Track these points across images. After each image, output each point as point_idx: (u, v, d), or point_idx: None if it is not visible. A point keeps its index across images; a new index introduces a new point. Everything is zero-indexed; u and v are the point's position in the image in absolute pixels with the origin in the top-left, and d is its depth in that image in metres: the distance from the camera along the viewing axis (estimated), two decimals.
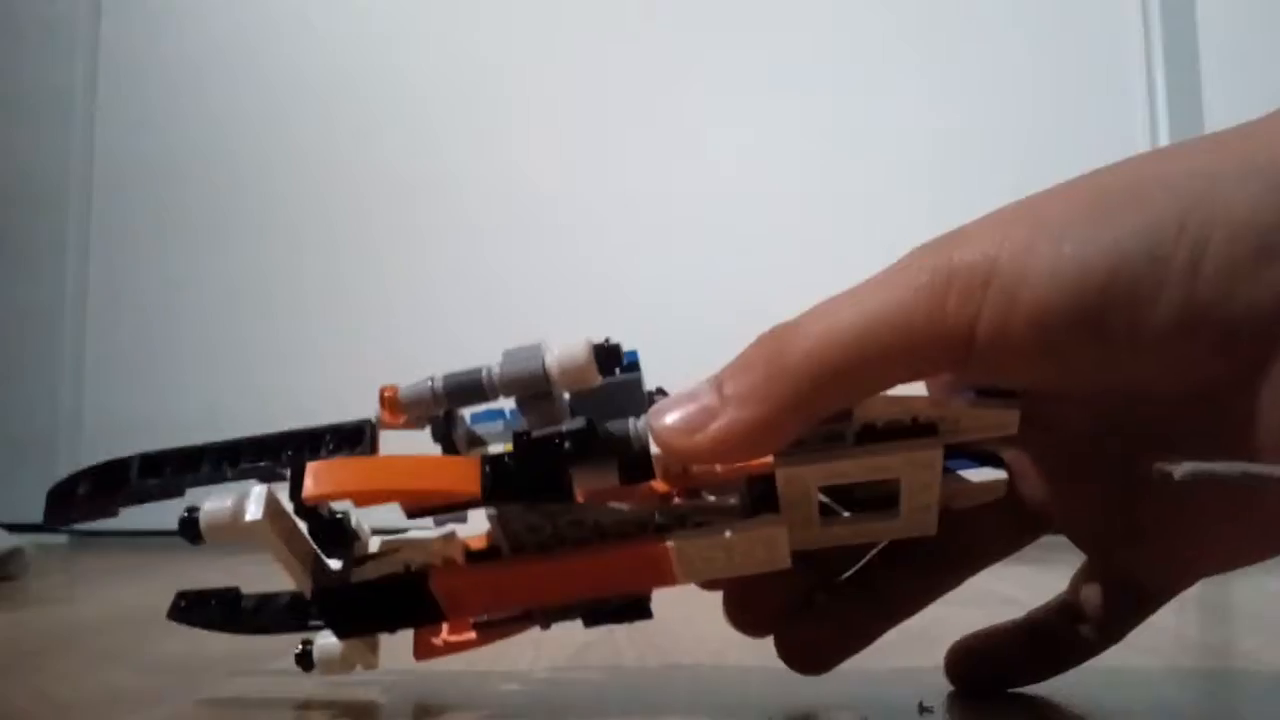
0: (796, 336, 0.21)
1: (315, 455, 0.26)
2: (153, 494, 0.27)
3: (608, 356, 0.24)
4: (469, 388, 0.24)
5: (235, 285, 1.36)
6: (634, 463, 0.25)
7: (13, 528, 0.79)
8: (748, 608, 0.28)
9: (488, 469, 0.24)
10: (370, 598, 0.26)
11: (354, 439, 0.26)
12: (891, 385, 0.22)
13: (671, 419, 0.22)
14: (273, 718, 0.29)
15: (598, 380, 0.24)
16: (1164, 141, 1.17)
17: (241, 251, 1.36)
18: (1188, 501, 0.23)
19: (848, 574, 0.29)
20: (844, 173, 1.24)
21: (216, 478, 0.27)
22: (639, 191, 1.28)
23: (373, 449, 0.26)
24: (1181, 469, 0.20)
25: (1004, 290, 0.20)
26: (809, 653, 0.28)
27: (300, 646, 0.30)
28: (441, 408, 0.25)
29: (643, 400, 0.26)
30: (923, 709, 0.28)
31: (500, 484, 0.24)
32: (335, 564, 0.27)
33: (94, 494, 0.28)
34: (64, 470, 1.02)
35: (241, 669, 0.36)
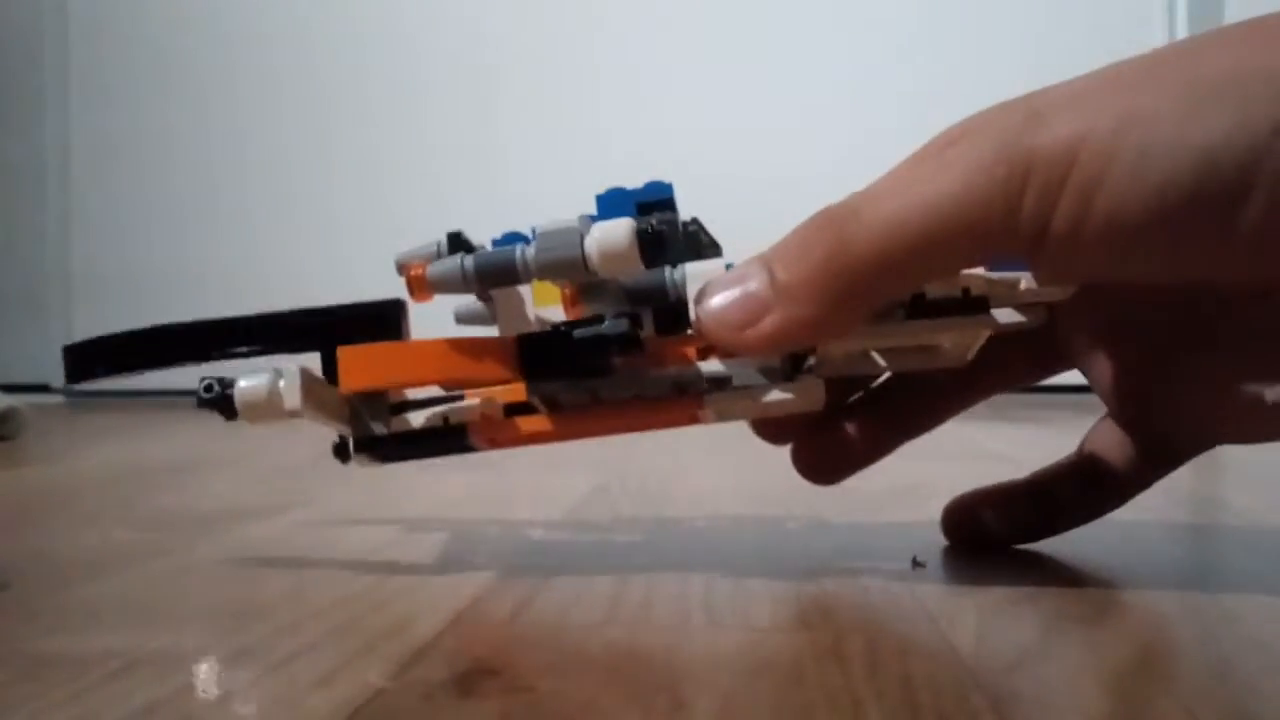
0: (859, 227, 0.20)
1: (346, 338, 0.25)
2: (176, 362, 0.27)
3: (653, 243, 0.22)
4: (502, 269, 0.24)
5: (218, 138, 1.33)
6: (670, 313, 0.24)
7: (8, 388, 0.79)
8: (770, 419, 0.28)
9: (526, 354, 0.24)
10: (413, 441, 0.27)
11: (386, 320, 0.26)
12: (954, 273, 0.21)
13: (720, 306, 0.21)
14: (270, 568, 0.29)
15: (640, 268, 0.23)
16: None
17: (224, 104, 1.32)
18: (1230, 368, 0.23)
19: (866, 390, 0.29)
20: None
21: (247, 354, 0.26)
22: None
23: (403, 331, 0.26)
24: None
25: (1083, 190, 0.19)
26: (823, 462, 0.28)
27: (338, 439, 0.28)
28: (471, 289, 0.24)
29: (680, 241, 0.24)
30: (915, 564, 0.29)
31: (539, 365, 0.24)
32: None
33: (115, 358, 0.28)
34: (55, 328, 1.02)
35: (236, 523, 0.37)
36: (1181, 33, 1.17)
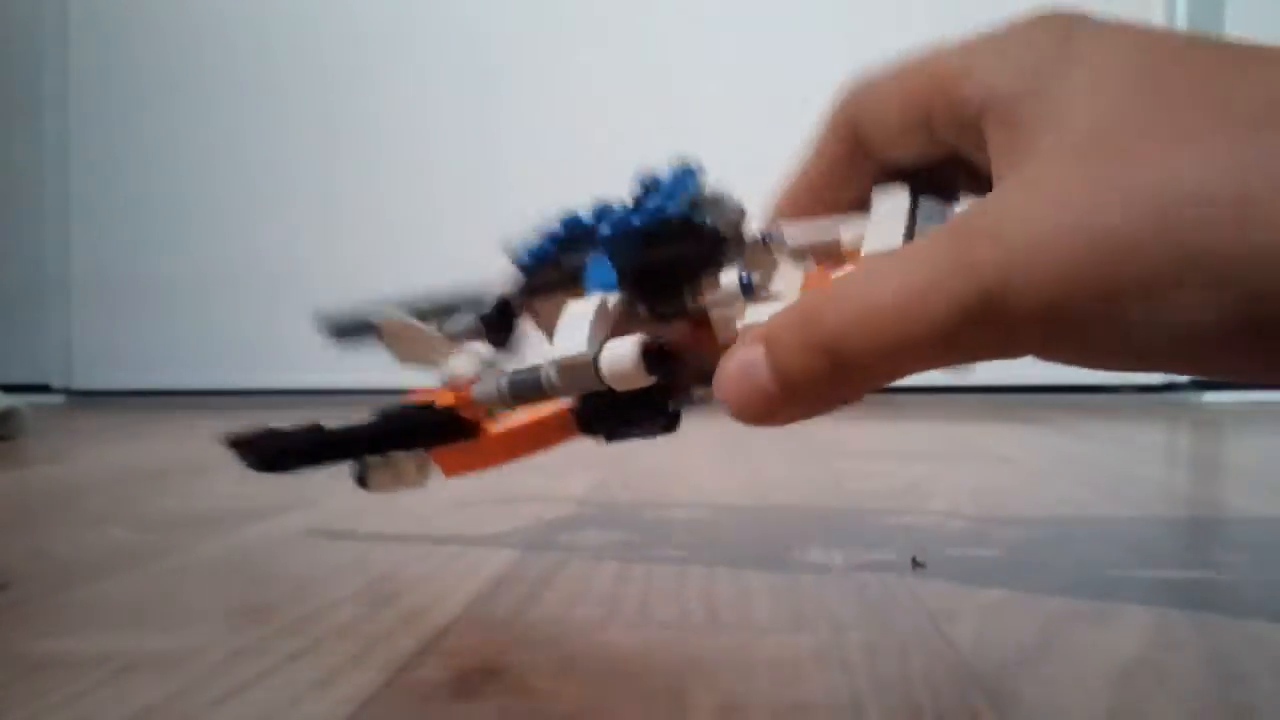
0: (848, 362, 0.21)
1: (439, 437, 0.31)
2: (331, 461, 0.33)
3: (657, 360, 0.25)
4: (531, 389, 0.27)
5: (219, 138, 1.33)
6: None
7: (7, 388, 0.79)
8: None
9: (582, 419, 0.28)
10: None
11: (464, 423, 0.30)
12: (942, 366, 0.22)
13: (737, 400, 0.23)
14: (270, 568, 0.29)
15: (648, 381, 0.25)
16: None
17: (224, 104, 1.32)
18: None
19: None
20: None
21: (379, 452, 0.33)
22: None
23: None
24: None
25: (1071, 356, 0.19)
26: None
27: (356, 466, 0.33)
28: (507, 405, 0.28)
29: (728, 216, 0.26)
30: (915, 564, 0.29)
31: (596, 424, 0.28)
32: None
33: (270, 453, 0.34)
34: (55, 328, 1.02)
35: (236, 523, 0.37)
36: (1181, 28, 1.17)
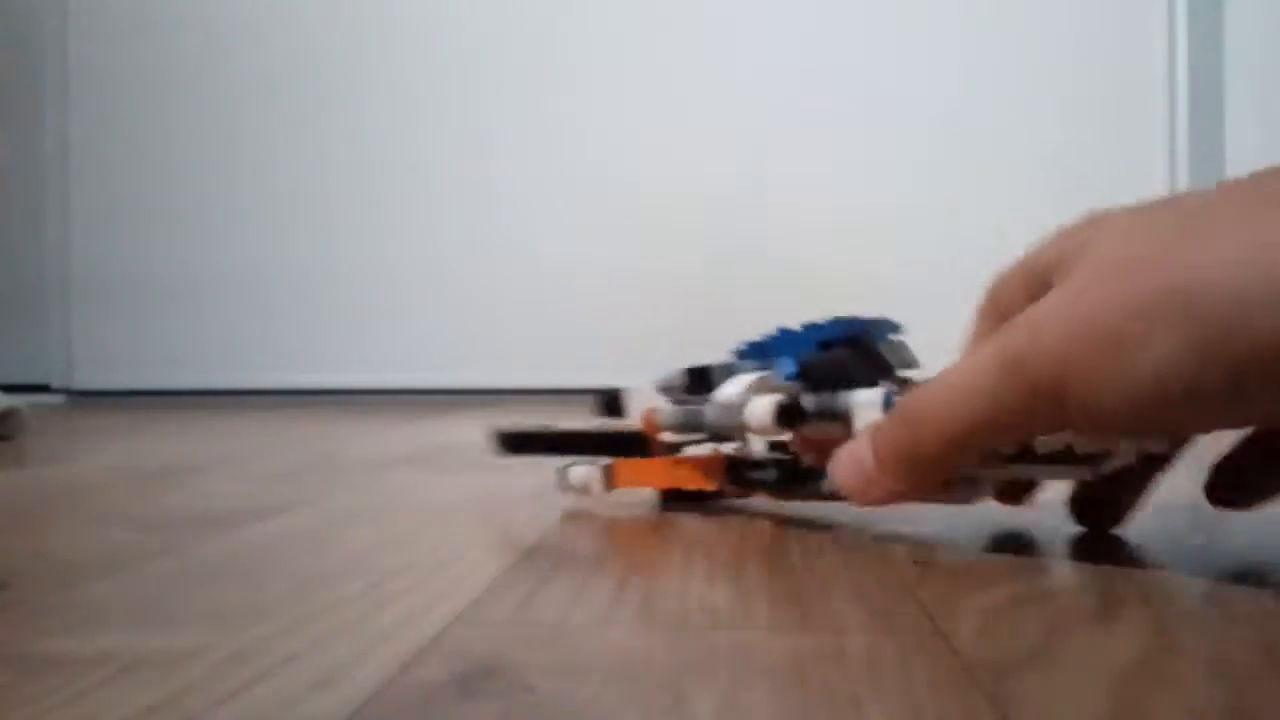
0: (926, 430, 0.28)
1: (621, 449, 0.40)
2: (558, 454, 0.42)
3: (786, 414, 0.33)
4: (693, 417, 0.37)
5: (218, 139, 1.33)
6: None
7: (8, 388, 0.79)
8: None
9: (729, 466, 0.37)
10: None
11: (638, 440, 0.40)
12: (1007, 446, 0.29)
13: (845, 478, 0.31)
14: (270, 568, 0.29)
15: (778, 431, 0.33)
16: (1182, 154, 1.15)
17: (223, 105, 1.32)
18: None
19: None
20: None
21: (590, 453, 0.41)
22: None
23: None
24: None
25: (1082, 404, 0.24)
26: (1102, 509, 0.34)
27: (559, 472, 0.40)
28: (676, 429, 0.38)
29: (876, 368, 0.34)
30: (915, 564, 0.29)
31: (738, 481, 0.37)
32: None
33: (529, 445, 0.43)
34: (55, 328, 1.02)
35: (236, 523, 0.37)
36: (1181, 35, 1.17)
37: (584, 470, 0.40)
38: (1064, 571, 0.28)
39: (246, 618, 0.24)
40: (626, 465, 0.39)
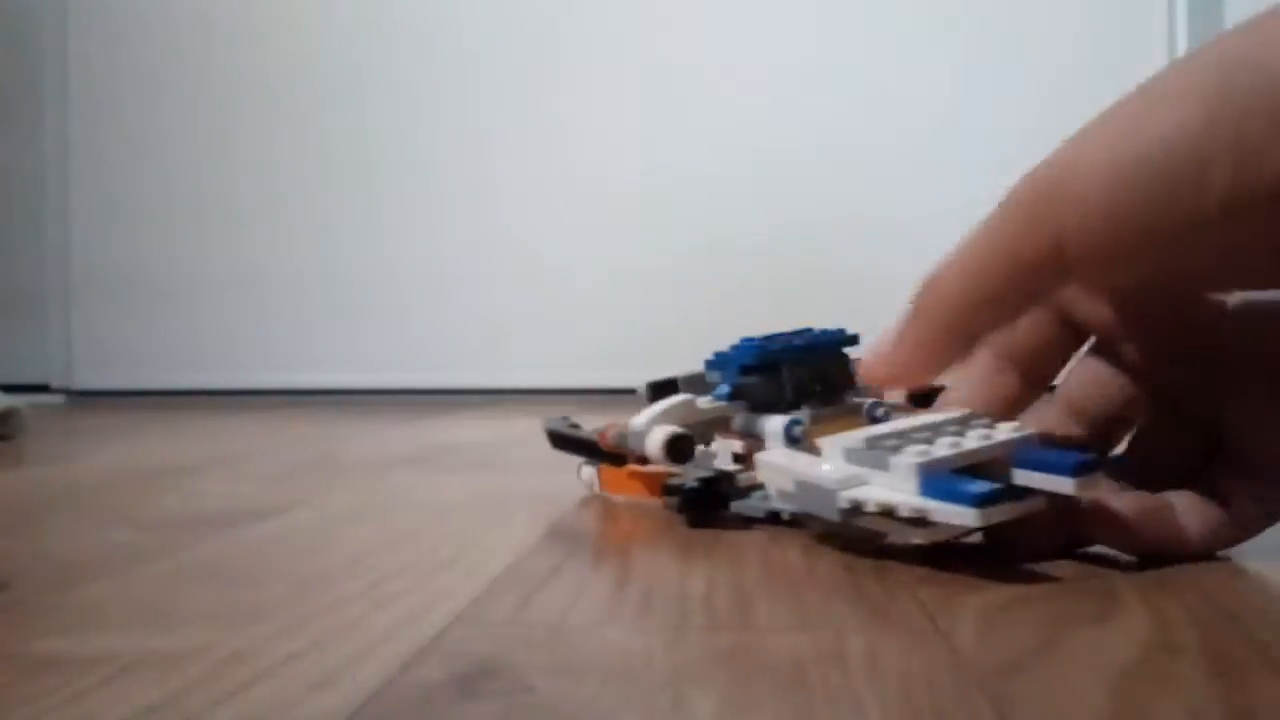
0: (941, 288, 0.28)
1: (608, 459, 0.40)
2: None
3: (674, 448, 0.34)
4: (621, 439, 0.36)
5: (217, 139, 1.33)
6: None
7: (7, 388, 0.79)
8: None
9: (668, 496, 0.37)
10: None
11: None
12: (1017, 314, 0.29)
13: (869, 370, 0.30)
14: (270, 568, 0.29)
15: (668, 462, 0.34)
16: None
17: (223, 105, 1.32)
18: None
19: None
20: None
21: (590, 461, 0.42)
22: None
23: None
24: (1235, 298, 0.24)
25: (1075, 202, 0.24)
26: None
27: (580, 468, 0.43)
28: (620, 448, 0.37)
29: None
30: (915, 562, 0.29)
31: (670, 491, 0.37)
32: None
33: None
34: (55, 328, 1.02)
35: (236, 523, 0.37)
36: (1180, 35, 1.17)
37: (590, 471, 0.42)
38: (1064, 571, 0.28)
39: (246, 618, 0.24)
40: (605, 471, 0.41)
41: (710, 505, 0.36)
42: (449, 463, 0.58)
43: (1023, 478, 0.27)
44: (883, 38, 1.23)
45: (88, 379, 1.35)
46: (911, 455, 0.27)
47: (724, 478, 0.36)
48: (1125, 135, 0.24)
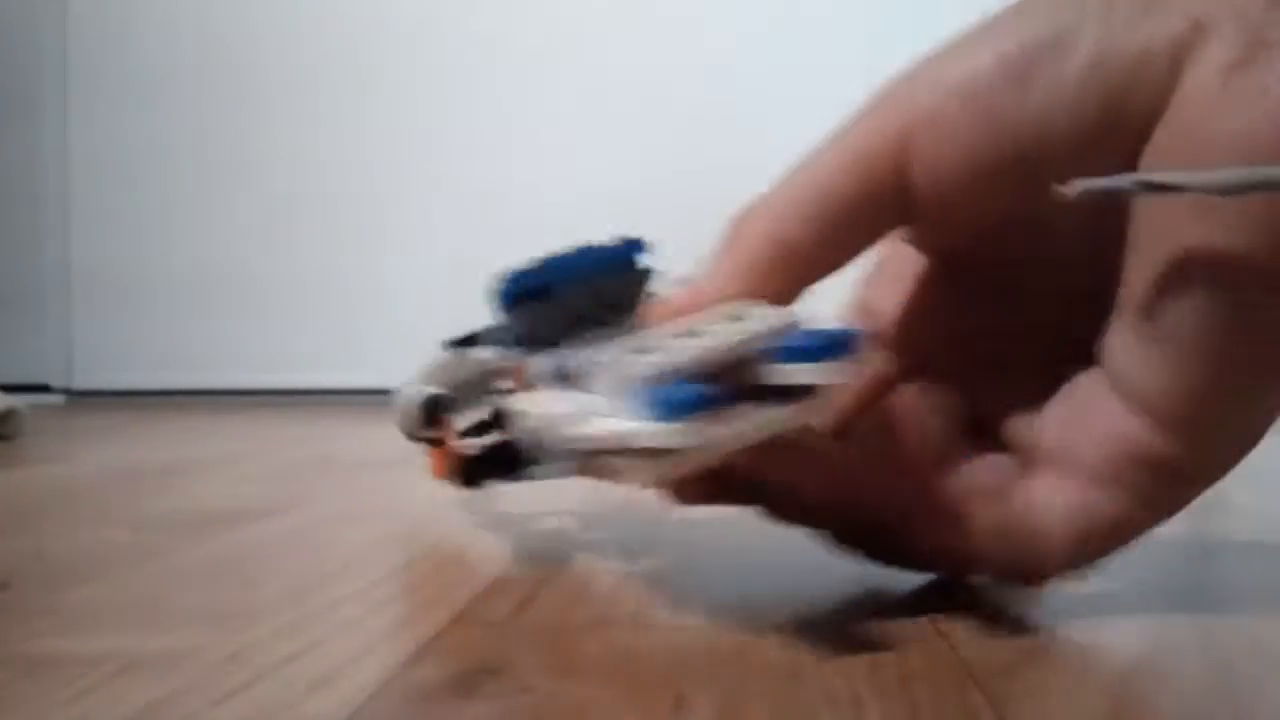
0: (766, 216, 0.24)
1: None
2: None
3: (431, 411, 0.30)
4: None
5: (218, 138, 1.33)
6: None
7: (7, 388, 0.79)
8: None
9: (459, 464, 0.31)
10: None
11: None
12: (860, 246, 0.24)
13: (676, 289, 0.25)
14: (270, 568, 0.29)
15: (426, 429, 0.31)
16: None
17: (223, 104, 1.32)
18: None
19: None
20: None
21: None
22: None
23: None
24: (1075, 187, 0.20)
25: (927, 117, 0.22)
26: None
27: None
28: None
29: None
30: None
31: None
32: None
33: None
34: (55, 328, 1.02)
35: (236, 523, 0.37)
36: None
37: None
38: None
39: (245, 618, 0.24)
40: (431, 453, 0.34)
41: (492, 473, 0.30)
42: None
43: (766, 376, 0.21)
44: (885, 33, 1.23)
45: (88, 379, 1.35)
46: (622, 367, 0.21)
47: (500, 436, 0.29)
48: (990, 38, 0.23)
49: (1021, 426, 0.25)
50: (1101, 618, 0.24)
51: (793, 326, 0.21)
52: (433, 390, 0.29)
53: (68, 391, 1.35)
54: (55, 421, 0.99)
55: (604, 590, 0.27)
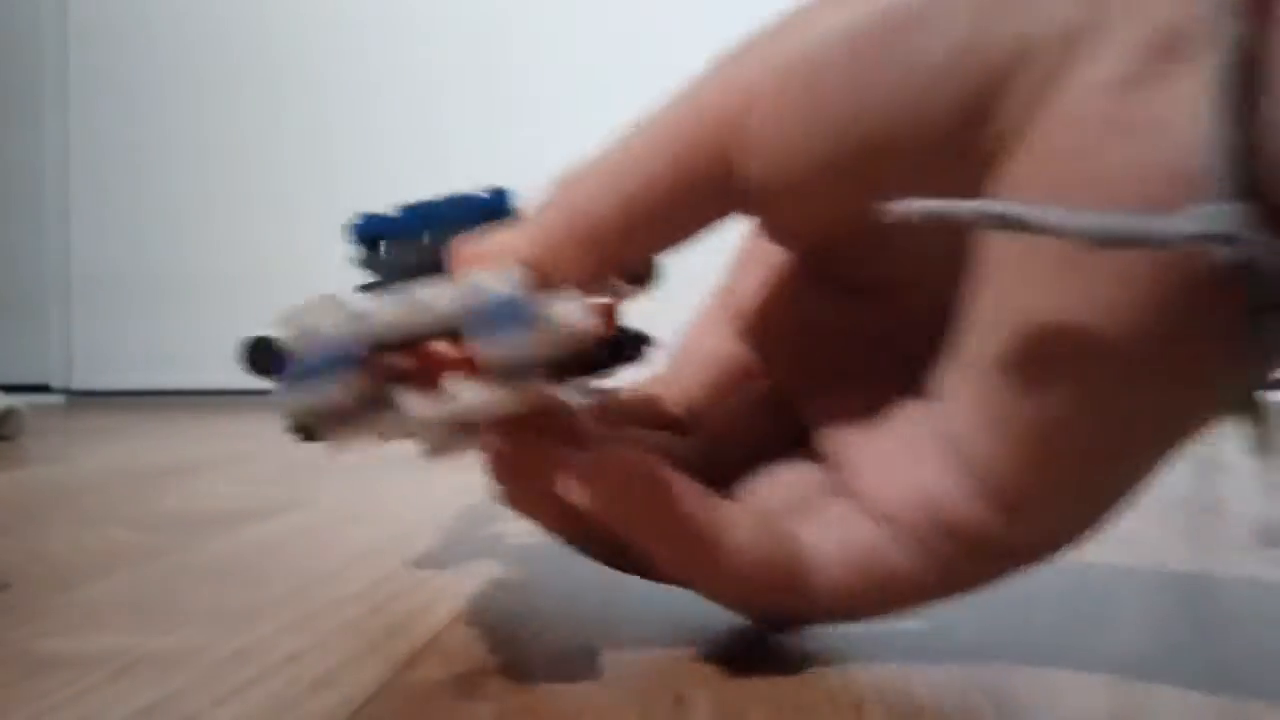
0: (582, 191, 0.21)
1: None
2: None
3: (253, 355, 0.24)
4: None
5: (218, 138, 1.33)
6: None
7: (7, 388, 0.79)
8: None
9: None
10: None
11: None
12: (686, 230, 0.21)
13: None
14: (270, 568, 0.29)
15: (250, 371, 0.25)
16: None
17: (224, 104, 1.32)
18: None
19: None
20: None
21: None
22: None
23: None
24: (910, 207, 0.17)
25: (759, 99, 0.19)
26: None
27: None
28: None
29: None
30: None
31: None
32: None
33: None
34: (55, 328, 1.02)
35: (236, 523, 0.37)
36: None
37: None
38: (1063, 571, 0.28)
39: (246, 617, 0.24)
40: None
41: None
42: (448, 463, 0.58)
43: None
44: None
45: (88, 379, 1.35)
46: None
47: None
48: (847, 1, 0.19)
49: (841, 445, 0.22)
50: (1101, 618, 0.24)
51: (482, 298, 0.19)
52: (258, 334, 0.24)
53: (68, 392, 1.35)
54: (55, 421, 0.99)
55: (603, 590, 0.27)
